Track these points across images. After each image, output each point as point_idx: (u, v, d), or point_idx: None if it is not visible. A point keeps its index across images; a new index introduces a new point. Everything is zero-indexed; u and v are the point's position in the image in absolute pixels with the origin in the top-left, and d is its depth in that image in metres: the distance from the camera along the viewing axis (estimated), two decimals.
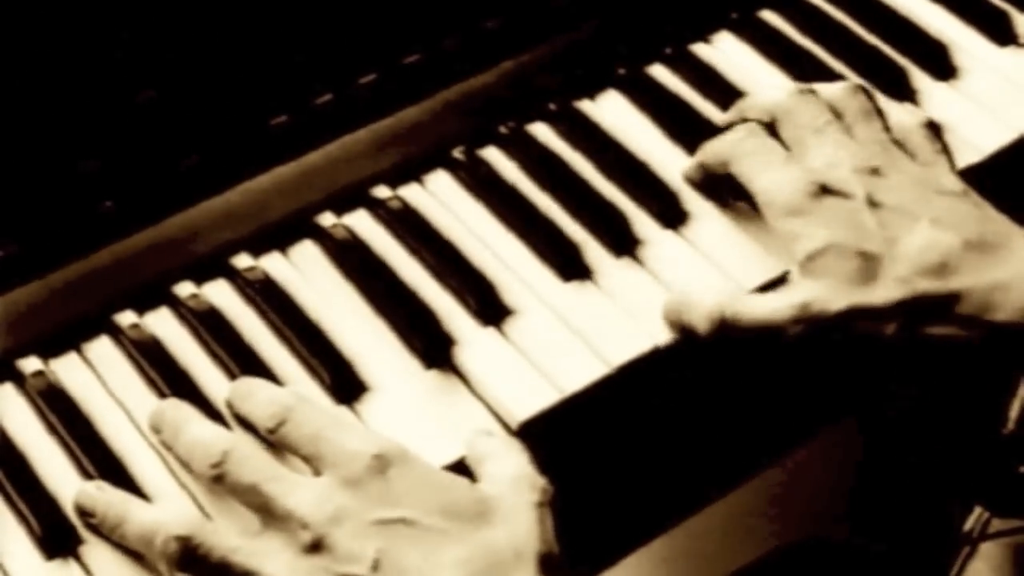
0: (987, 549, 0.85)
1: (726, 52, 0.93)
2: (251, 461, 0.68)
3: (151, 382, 0.75)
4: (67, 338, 0.77)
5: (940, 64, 0.92)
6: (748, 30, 0.94)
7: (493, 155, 0.86)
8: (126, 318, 0.77)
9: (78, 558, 0.69)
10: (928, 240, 0.73)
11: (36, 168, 0.79)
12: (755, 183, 0.78)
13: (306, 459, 0.69)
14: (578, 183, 0.85)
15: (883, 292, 0.73)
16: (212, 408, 0.73)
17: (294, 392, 0.72)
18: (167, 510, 0.68)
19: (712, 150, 0.82)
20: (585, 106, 0.89)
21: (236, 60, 0.84)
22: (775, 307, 0.74)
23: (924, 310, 0.73)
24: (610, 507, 0.80)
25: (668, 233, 0.82)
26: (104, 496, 0.68)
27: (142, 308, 0.78)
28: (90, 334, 0.77)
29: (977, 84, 0.92)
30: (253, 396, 0.72)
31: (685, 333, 0.76)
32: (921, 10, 0.96)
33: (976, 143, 0.88)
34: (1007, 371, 0.78)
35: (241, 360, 0.75)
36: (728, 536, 0.89)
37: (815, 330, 0.73)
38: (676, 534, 0.86)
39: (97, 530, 0.68)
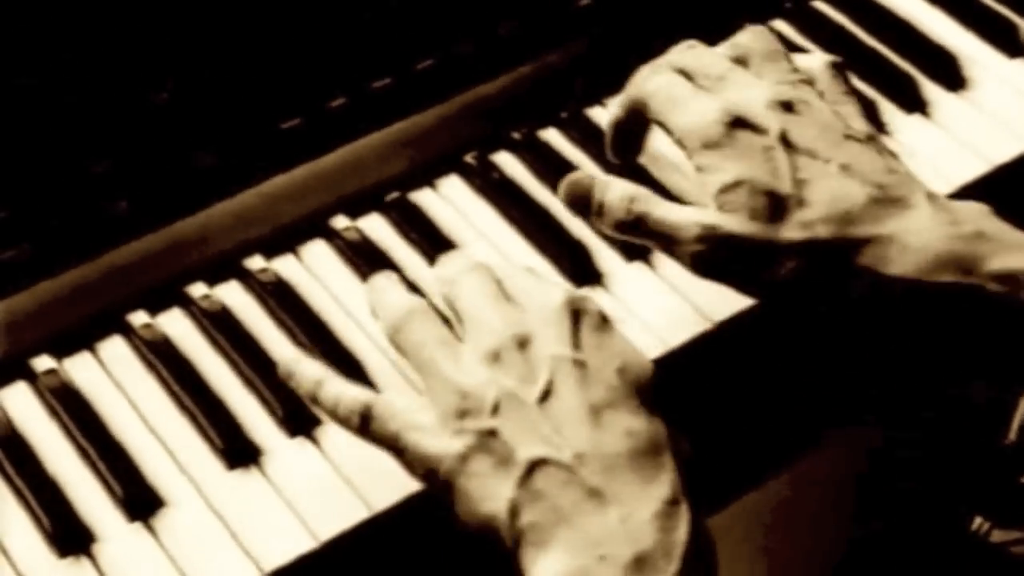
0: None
1: None
2: (479, 281, 0.71)
3: (163, 381, 0.75)
4: (80, 337, 0.77)
5: (951, 75, 0.93)
6: None
7: (505, 160, 0.86)
8: (139, 318, 0.77)
9: (90, 556, 0.69)
10: (836, 189, 0.73)
11: (51, 168, 0.79)
12: (672, 121, 0.77)
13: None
14: None
15: (786, 233, 0.73)
16: (225, 406, 0.74)
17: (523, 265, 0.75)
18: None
19: (620, 101, 0.80)
20: (597, 113, 0.89)
21: (250, 63, 0.84)
22: (684, 218, 0.74)
23: (822, 256, 0.73)
24: None
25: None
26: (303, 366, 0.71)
27: (155, 308, 0.78)
28: (103, 333, 0.77)
29: (987, 95, 0.92)
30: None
31: (588, 211, 0.77)
32: (931, 21, 0.96)
33: (986, 154, 0.88)
34: (1008, 381, 0.78)
35: (252, 360, 0.76)
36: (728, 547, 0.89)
37: (712, 254, 0.73)
38: None
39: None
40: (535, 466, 0.64)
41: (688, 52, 0.80)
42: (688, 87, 0.78)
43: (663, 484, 0.65)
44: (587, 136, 0.87)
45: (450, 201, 0.84)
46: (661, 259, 0.81)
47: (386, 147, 0.85)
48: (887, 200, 0.73)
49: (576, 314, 0.69)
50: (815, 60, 0.82)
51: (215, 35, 0.84)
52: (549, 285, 0.71)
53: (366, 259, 0.81)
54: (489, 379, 0.67)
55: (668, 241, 0.75)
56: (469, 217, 0.84)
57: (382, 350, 0.76)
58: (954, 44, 0.95)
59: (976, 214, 0.73)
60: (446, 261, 0.74)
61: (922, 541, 0.89)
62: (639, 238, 0.76)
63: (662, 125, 0.78)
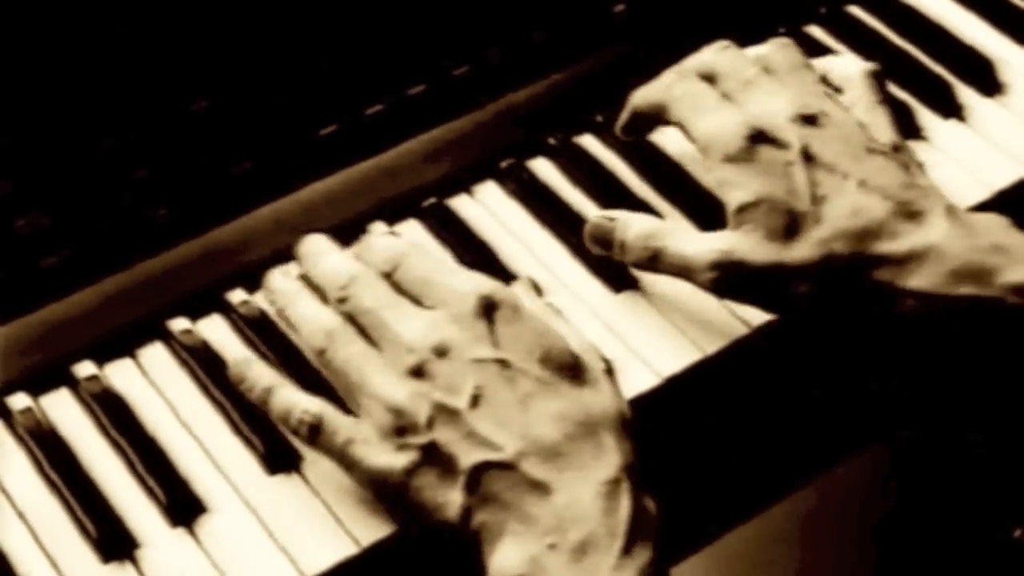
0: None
1: None
2: (374, 288, 0.72)
3: (203, 387, 0.76)
4: (121, 343, 0.77)
5: (987, 80, 0.92)
6: (797, 43, 0.94)
7: (541, 166, 0.86)
8: (179, 324, 0.78)
9: (134, 562, 0.69)
10: (854, 205, 0.74)
11: (91, 175, 0.80)
12: (695, 129, 0.78)
13: (418, 299, 0.72)
14: (625, 194, 0.85)
15: (801, 252, 0.73)
16: (261, 410, 0.74)
17: (408, 240, 0.76)
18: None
19: (644, 96, 0.82)
20: None
21: (287, 71, 0.85)
22: (698, 249, 0.75)
23: (838, 273, 0.73)
24: None
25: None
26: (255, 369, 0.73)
27: (195, 315, 0.79)
28: (144, 339, 0.78)
29: (1023, 100, 0.92)
30: (372, 246, 0.75)
31: (610, 251, 0.79)
32: (967, 26, 0.96)
33: (1022, 159, 0.88)
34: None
35: (290, 363, 0.76)
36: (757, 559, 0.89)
37: (729, 280, 0.75)
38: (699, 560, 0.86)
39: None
40: (479, 471, 0.66)
41: (719, 53, 0.81)
42: (713, 96, 0.79)
43: (603, 465, 0.66)
44: (623, 141, 0.87)
45: (487, 207, 0.84)
46: None
47: (422, 153, 0.86)
48: (905, 215, 0.74)
49: (488, 308, 0.70)
50: (852, 66, 0.82)
51: (252, 44, 0.85)
52: (454, 276, 0.72)
53: None
54: (418, 393, 0.68)
55: (685, 272, 0.76)
56: (506, 223, 0.84)
57: None
58: (990, 49, 0.95)
59: (994, 227, 0.74)
60: (327, 272, 0.74)
61: (954, 547, 0.89)
62: (659, 271, 0.77)
63: (683, 129, 0.79)
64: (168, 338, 0.78)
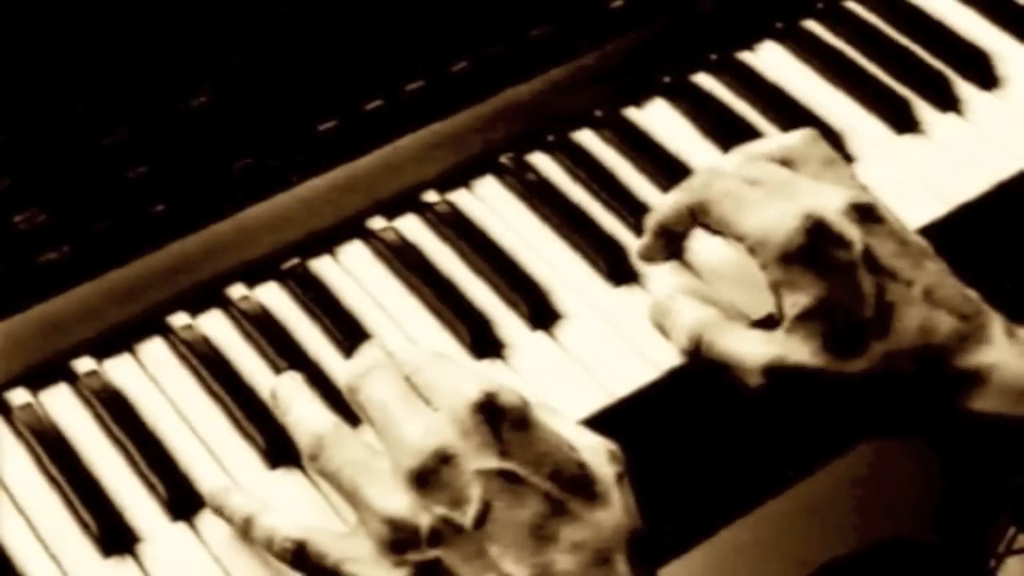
0: (1013, 564, 0.85)
1: (770, 61, 0.93)
2: (391, 381, 0.67)
3: (203, 381, 0.76)
4: (121, 339, 0.77)
5: (984, 74, 0.92)
6: (791, 39, 0.94)
7: (540, 161, 0.87)
8: (179, 319, 0.78)
9: (135, 556, 0.69)
10: (922, 321, 0.70)
11: (90, 171, 0.80)
12: (744, 225, 0.72)
13: (428, 402, 0.67)
14: (625, 189, 0.85)
15: (862, 364, 0.70)
16: (261, 404, 0.74)
17: (432, 350, 0.71)
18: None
19: (672, 204, 0.76)
20: (631, 113, 0.89)
21: (286, 67, 0.85)
22: (749, 351, 0.71)
23: (899, 387, 0.71)
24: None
25: (714, 239, 0.82)
26: (233, 500, 0.69)
27: (195, 310, 0.79)
28: (143, 335, 0.78)
29: (1020, 93, 0.92)
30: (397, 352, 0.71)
31: (663, 332, 0.76)
32: (963, 20, 0.96)
33: (1020, 152, 0.88)
34: None
35: (289, 359, 0.76)
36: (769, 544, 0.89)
37: (778, 384, 0.71)
38: (719, 540, 0.86)
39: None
40: None
41: (746, 162, 0.76)
42: (759, 192, 0.73)
43: None
44: (622, 136, 0.88)
45: (486, 201, 0.85)
46: (697, 257, 0.81)
47: (422, 149, 0.86)
48: (970, 333, 0.70)
49: (493, 414, 0.64)
50: (793, 136, 0.78)
51: (251, 40, 0.85)
52: (459, 378, 0.66)
53: (403, 259, 0.81)
54: (419, 505, 0.63)
55: (732, 370, 0.72)
56: (504, 217, 0.84)
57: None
58: (986, 42, 0.95)
59: None
60: (353, 362, 0.70)
61: (947, 547, 0.89)
62: (706, 363, 0.74)
63: (726, 232, 0.74)
64: (168, 333, 0.78)
